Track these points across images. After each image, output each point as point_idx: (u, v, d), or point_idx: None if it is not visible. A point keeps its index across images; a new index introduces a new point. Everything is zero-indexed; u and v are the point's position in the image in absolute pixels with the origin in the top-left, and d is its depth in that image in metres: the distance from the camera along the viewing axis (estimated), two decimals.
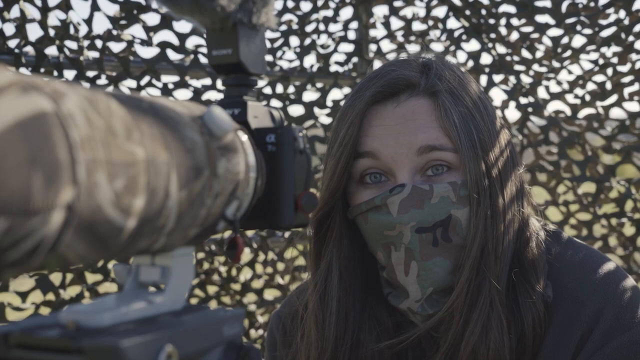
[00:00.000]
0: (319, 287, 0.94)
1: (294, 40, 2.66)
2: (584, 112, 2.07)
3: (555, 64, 2.06)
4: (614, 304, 0.88)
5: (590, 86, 2.04)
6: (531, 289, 0.89)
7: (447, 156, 0.88)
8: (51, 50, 1.69)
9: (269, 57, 2.07)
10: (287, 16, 2.11)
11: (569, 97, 2.07)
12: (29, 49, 1.66)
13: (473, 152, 0.87)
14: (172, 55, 1.91)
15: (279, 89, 2.08)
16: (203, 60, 1.92)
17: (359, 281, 0.95)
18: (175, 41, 1.88)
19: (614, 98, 2.01)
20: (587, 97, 2.04)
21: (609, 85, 2.00)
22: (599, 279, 0.90)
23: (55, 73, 1.69)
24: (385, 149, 0.88)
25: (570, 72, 2.07)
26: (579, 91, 2.06)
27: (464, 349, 0.86)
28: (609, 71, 1.99)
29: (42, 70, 1.66)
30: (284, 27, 2.11)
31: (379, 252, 0.91)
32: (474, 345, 0.86)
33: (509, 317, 0.88)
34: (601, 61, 2.00)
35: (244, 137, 0.57)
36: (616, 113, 2.38)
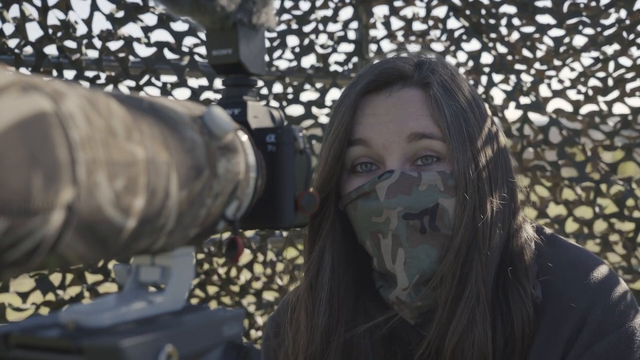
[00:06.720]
0: (310, 274, 0.94)
1: (293, 40, 2.65)
2: (586, 108, 2.06)
3: (557, 62, 2.06)
4: (601, 303, 0.88)
5: (592, 82, 2.04)
6: (523, 290, 0.89)
7: (437, 145, 0.89)
8: (51, 50, 1.68)
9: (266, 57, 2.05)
10: (286, 16, 2.11)
11: (571, 93, 2.07)
12: (28, 49, 1.66)
13: (461, 144, 0.88)
14: (169, 55, 1.90)
15: (277, 88, 2.07)
16: (200, 60, 1.91)
17: (351, 274, 0.95)
18: (172, 41, 1.87)
19: (616, 93, 2.01)
20: (590, 92, 2.04)
21: (610, 82, 2.00)
22: (587, 279, 0.90)
23: (55, 73, 1.68)
24: (377, 136, 0.90)
25: (572, 70, 2.06)
26: (581, 87, 2.06)
27: (448, 343, 0.86)
28: (611, 66, 1.99)
29: (42, 70, 1.66)
30: (282, 27, 2.10)
31: (367, 241, 0.91)
32: (458, 339, 0.86)
33: (497, 317, 0.88)
34: (602, 57, 2.00)
35: (244, 137, 0.57)
36: (618, 110, 2.37)
